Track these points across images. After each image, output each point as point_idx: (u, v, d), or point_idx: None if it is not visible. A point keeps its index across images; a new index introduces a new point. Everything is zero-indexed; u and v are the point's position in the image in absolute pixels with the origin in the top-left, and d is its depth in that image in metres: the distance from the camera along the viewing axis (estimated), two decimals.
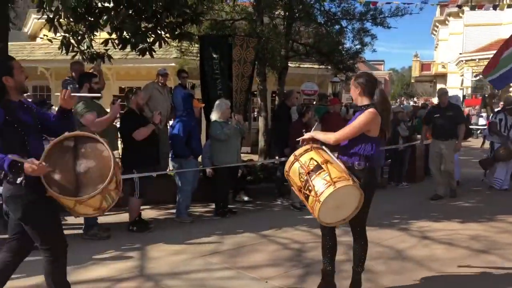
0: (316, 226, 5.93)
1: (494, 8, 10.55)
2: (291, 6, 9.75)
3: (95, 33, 6.84)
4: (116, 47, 6.91)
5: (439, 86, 39.02)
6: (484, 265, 4.54)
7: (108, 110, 5.66)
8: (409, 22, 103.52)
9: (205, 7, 8.03)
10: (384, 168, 8.90)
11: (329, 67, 11.95)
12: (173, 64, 12.06)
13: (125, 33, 6.48)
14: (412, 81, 47.40)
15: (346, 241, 5.34)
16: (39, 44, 15.41)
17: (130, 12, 6.16)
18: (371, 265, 4.52)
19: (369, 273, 4.29)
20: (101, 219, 5.75)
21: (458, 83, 32.76)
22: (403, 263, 4.61)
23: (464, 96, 29.11)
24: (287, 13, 10.10)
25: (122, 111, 6.15)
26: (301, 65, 14.32)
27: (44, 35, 7.56)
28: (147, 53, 6.89)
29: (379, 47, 57.06)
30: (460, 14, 33.25)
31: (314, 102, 13.31)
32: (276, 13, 10.09)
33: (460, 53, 31.07)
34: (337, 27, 10.96)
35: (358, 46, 11.06)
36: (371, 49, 11.13)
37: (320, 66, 12.25)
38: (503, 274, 4.29)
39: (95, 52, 7.19)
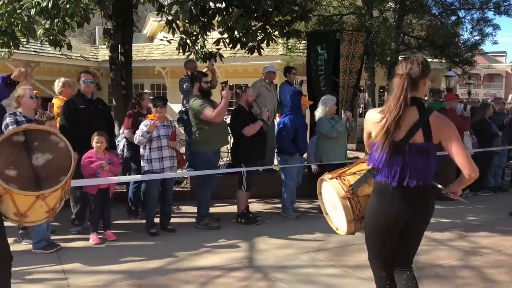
0: (429, 229, 5.65)
1: None
2: None
3: (207, 33, 7.21)
4: (227, 46, 7.20)
5: None
6: None
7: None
8: None
9: (313, 3, 8.01)
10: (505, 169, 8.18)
11: (443, 61, 11.24)
12: (279, 61, 12.23)
13: (236, 32, 6.72)
14: None
15: (461, 245, 5.03)
16: (156, 45, 16.61)
17: (242, 12, 6.37)
18: (492, 273, 4.19)
19: (490, 282, 3.99)
20: (212, 210, 6.08)
21: None
22: None
23: None
24: (398, 5, 9.69)
25: (231, 108, 6.40)
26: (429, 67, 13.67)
27: (164, 36, 8.14)
28: (256, 51, 7.08)
29: (501, 37, 52.11)
30: None
31: (426, 98, 12.62)
32: (387, 6, 9.73)
33: None
34: (453, 17, 10.27)
35: (477, 38, 10.28)
36: (492, 40, 10.32)
37: (434, 60, 11.58)
38: None
39: (207, 52, 7.56)
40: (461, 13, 10.22)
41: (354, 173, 2.94)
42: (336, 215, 3.05)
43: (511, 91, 39.76)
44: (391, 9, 9.87)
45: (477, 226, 5.89)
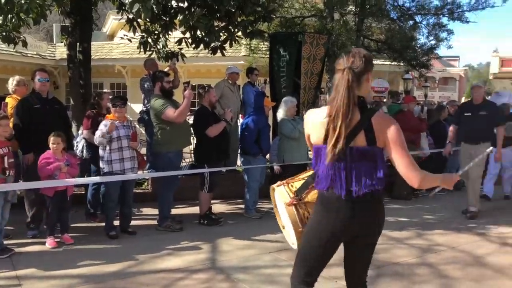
0: (388, 228, 5.80)
1: None
2: (363, 2, 9.56)
3: (169, 32, 7.12)
4: (189, 46, 7.13)
5: None
6: None
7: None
8: (489, 15, 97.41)
9: (276, 4, 8.07)
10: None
11: (401, 64, 11.57)
12: (242, 62, 12.25)
13: (198, 32, 6.67)
14: (490, 77, 44.59)
15: (418, 243, 5.19)
16: (116, 43, 16.29)
17: (204, 12, 6.33)
18: (447, 270, 4.34)
19: (445, 279, 4.13)
20: (174, 211, 6.01)
21: None
22: (482, 270, 4.37)
23: None
24: (358, 9, 9.91)
25: (194, 108, 6.35)
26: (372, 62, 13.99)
27: (124, 35, 7.97)
28: (219, 51, 7.05)
29: (455, 42, 54.20)
30: None
31: (385, 100, 12.96)
32: (347, 9, 9.93)
33: None
34: (411, 22, 10.61)
35: (433, 42, 10.65)
36: (447, 45, 10.71)
37: (392, 63, 11.90)
38: None
39: (169, 51, 7.47)
40: (418, 18, 10.58)
41: (303, 179, 2.67)
42: (289, 227, 2.69)
43: (464, 94, 41.46)
44: (352, 13, 10.08)
45: (433, 224, 6.09)
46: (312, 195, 2.50)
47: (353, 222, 2.29)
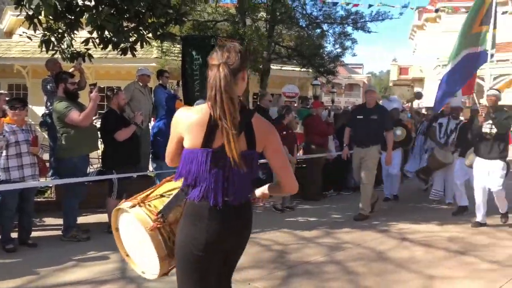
0: (298, 228, 5.99)
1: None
2: (274, 9, 9.80)
3: (75, 32, 6.74)
4: (97, 46, 6.81)
5: (416, 89, 39.75)
6: (462, 266, 4.64)
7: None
8: (389, 26, 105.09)
9: (187, 7, 8.00)
10: None
11: (310, 70, 12.04)
12: (153, 64, 11.96)
13: (106, 32, 6.40)
14: (390, 84, 48.08)
15: (327, 242, 5.42)
16: (15, 41, 15.10)
17: (112, 11, 6.09)
18: (353, 266, 4.57)
19: (351, 275, 4.34)
20: (80, 220, 5.69)
21: (435, 88, 33.36)
22: (384, 265, 4.66)
23: None
24: (269, 16, 10.14)
25: (102, 111, 6.07)
26: (283, 68, 14.39)
27: (23, 32, 7.39)
28: (129, 52, 6.82)
29: (359, 51, 57.92)
30: (437, 20, 33.96)
31: (296, 105, 13.40)
32: (259, 15, 10.12)
33: (437, 58, 31.68)
34: (318, 30, 11.09)
35: (338, 50, 11.21)
36: (351, 53, 11.34)
37: (301, 69, 12.33)
38: (480, 275, 4.39)
39: (75, 51, 7.07)
40: (325, 27, 11.08)
41: (162, 196, 2.32)
42: (143, 254, 2.30)
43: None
44: (263, 19, 10.29)
45: (341, 223, 6.39)
46: (175, 214, 2.18)
47: (226, 235, 2.08)
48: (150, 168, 6.88)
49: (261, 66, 9.96)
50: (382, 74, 72.09)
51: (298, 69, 13.13)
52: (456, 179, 6.87)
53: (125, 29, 6.47)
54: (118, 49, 6.75)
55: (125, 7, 6.14)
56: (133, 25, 6.58)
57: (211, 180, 2.02)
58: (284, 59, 11.90)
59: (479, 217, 6.21)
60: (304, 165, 8.32)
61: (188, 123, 2.06)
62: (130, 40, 6.66)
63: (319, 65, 11.14)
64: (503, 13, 16.27)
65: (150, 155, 6.62)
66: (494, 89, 6.54)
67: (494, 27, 6.73)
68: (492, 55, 6.76)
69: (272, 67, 11.55)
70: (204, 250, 2.04)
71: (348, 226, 6.22)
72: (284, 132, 7.05)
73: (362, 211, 6.64)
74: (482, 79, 28.48)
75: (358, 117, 6.78)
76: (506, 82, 24.44)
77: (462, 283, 4.22)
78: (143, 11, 6.35)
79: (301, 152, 8.63)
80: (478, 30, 6.80)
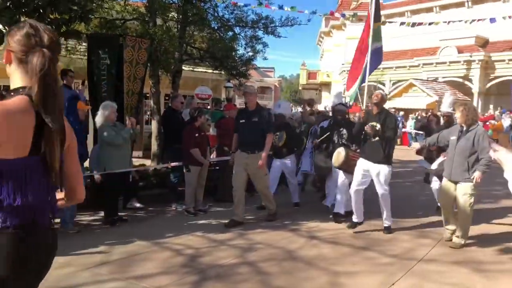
0: (211, 231, 5.97)
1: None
2: (185, 10, 9.68)
3: None
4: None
5: (324, 94, 41.67)
6: (365, 261, 4.93)
7: None
8: (298, 32, 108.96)
9: (94, 4, 7.62)
10: None
11: (223, 72, 12.08)
12: (58, 63, 11.24)
13: (1, 26, 5.89)
14: (300, 88, 49.89)
15: (240, 243, 5.46)
16: None
17: (8, 4, 5.62)
18: (265, 266, 4.64)
19: (263, 275, 4.41)
20: None
21: (341, 92, 35.14)
22: (295, 263, 4.80)
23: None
24: (180, 16, 10.00)
25: None
26: (195, 69, 14.28)
27: None
28: None
29: (270, 55, 59.37)
30: (343, 27, 35.90)
31: (209, 107, 13.36)
32: (170, 15, 9.93)
33: (342, 64, 33.48)
34: (230, 33, 11.14)
35: (250, 53, 11.34)
36: (263, 56, 11.52)
37: (214, 71, 12.33)
38: (381, 269, 4.69)
39: None
40: (237, 30, 11.16)
41: None
42: None
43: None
44: (174, 19, 10.12)
45: (253, 224, 6.47)
46: None
47: (47, 254, 1.89)
48: None
49: (172, 67, 9.78)
50: (292, 77, 74.59)
51: (210, 71, 13.10)
52: (339, 184, 6.63)
53: None
54: None
55: (23, 1, 5.70)
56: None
57: (39, 197, 1.76)
58: (196, 60, 11.81)
59: (355, 218, 6.14)
60: (217, 167, 8.32)
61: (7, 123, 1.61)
62: None
63: (232, 67, 11.19)
64: (401, 24, 17.54)
65: None
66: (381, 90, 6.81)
67: (378, 21, 7.07)
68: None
69: (184, 68, 11.40)
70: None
71: (260, 227, 6.32)
72: (197, 134, 7.00)
73: (270, 211, 6.72)
74: (383, 84, 30.58)
75: (241, 121, 6.51)
76: (404, 87, 26.52)
77: (365, 277, 4.47)
78: (44, 6, 5.94)
79: (214, 154, 8.62)
80: (375, 26, 6.92)
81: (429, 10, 30.65)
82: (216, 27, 10.97)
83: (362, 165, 6.06)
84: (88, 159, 6.68)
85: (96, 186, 6.47)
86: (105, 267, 4.56)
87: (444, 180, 5.62)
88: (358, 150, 6.44)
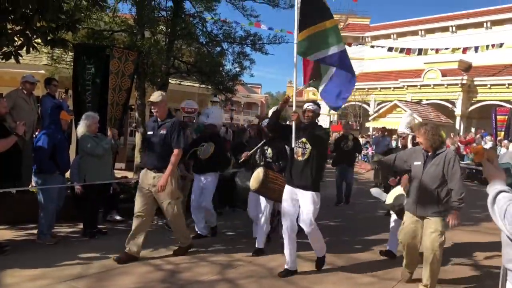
0: (196, 246, 5.90)
1: (361, 44, 11.68)
2: (174, 24, 9.72)
3: None
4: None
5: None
6: (346, 280, 4.92)
7: None
8: (285, 50, 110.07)
9: (82, 14, 7.61)
10: None
11: (210, 87, 12.10)
12: (42, 72, 11.14)
13: None
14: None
15: (219, 260, 5.40)
16: None
17: None
18: (244, 283, 4.60)
19: None
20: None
21: (326, 110, 35.46)
22: (275, 281, 4.76)
23: (331, 122, 31.71)
24: (169, 30, 10.03)
25: None
26: (182, 83, 14.28)
27: None
28: (12, 57, 6.27)
29: (257, 71, 59.78)
30: None
31: (194, 121, 13.32)
32: (158, 29, 9.96)
33: None
34: (218, 48, 11.20)
35: (237, 69, 11.39)
36: (250, 73, 11.58)
37: (201, 85, 12.35)
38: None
39: None
40: (225, 45, 11.22)
41: None
42: None
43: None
44: (163, 33, 10.14)
45: (234, 240, 6.42)
46: None
47: None
48: (33, 182, 6.35)
49: (159, 80, 9.76)
50: (279, 94, 74.97)
51: (197, 85, 13.10)
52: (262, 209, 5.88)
53: (9, 31, 5.96)
54: (0, 53, 6.18)
55: (10, 8, 5.66)
56: (19, 28, 6.08)
57: None
58: (183, 74, 11.82)
59: (287, 264, 5.02)
60: None
61: None
62: (15, 44, 6.15)
63: (218, 82, 11.21)
64: (389, 49, 17.88)
65: (33, 169, 6.11)
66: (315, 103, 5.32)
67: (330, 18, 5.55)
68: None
69: (170, 81, 11.39)
70: None
71: (240, 243, 6.27)
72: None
73: (180, 243, 5.62)
74: (368, 104, 30.98)
75: (148, 133, 5.46)
76: (388, 107, 26.87)
77: None
78: (31, 13, 5.91)
79: None
80: (328, 25, 5.43)
81: (414, 33, 31.32)
82: (204, 42, 11.02)
83: (288, 192, 5.00)
84: (69, 170, 6.59)
85: (76, 197, 6.37)
86: (82, 281, 4.47)
87: (408, 215, 4.67)
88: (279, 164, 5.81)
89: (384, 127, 16.24)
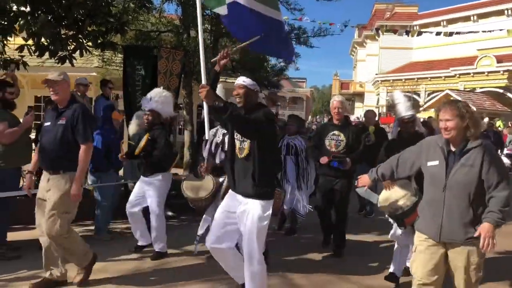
0: None
1: (407, 33, 11.35)
2: (218, 22, 9.83)
3: (8, 38, 6.41)
4: (33, 54, 6.51)
5: (357, 104, 41.25)
6: None
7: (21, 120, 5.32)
8: (330, 42, 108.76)
9: (130, 17, 7.85)
10: None
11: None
12: (94, 74, 11.61)
13: (43, 39, 6.13)
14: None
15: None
16: None
17: (49, 18, 5.85)
18: None
19: None
20: (10, 237, 5.33)
21: (374, 102, 34.76)
22: None
23: (379, 114, 31.01)
24: (214, 28, 10.15)
25: (37, 122, 5.79)
26: (228, 80, 14.42)
27: None
28: (67, 61, 6.57)
29: (302, 65, 59.22)
30: (376, 37, 35.55)
31: None
32: (204, 27, 10.10)
33: (376, 74, 33.11)
34: None
35: (282, 64, 11.38)
36: (295, 67, 11.58)
37: None
38: None
39: (8, 58, 6.72)
40: None
41: None
42: None
43: (310, 112, 45.25)
44: (208, 31, 10.29)
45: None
46: None
47: None
48: (89, 181, 6.62)
49: None
50: (324, 88, 74.19)
51: None
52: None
53: (63, 36, 6.24)
54: (56, 58, 6.48)
55: (63, 14, 5.92)
56: (71, 33, 6.35)
57: None
58: (228, 71, 11.95)
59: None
60: None
61: None
62: (69, 48, 6.43)
63: (263, 78, 11.27)
64: (437, 34, 17.21)
65: (89, 168, 6.37)
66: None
67: None
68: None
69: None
70: None
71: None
72: None
73: (79, 266, 4.38)
74: (418, 95, 30.03)
75: (45, 124, 4.24)
76: (439, 97, 25.94)
77: None
78: (83, 18, 6.16)
79: None
80: None
81: (466, 19, 29.95)
82: None
83: (229, 199, 3.71)
84: (122, 168, 6.82)
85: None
86: (138, 275, 4.62)
87: (422, 240, 3.14)
88: None
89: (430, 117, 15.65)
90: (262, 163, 3.46)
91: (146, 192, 5.22)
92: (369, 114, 8.34)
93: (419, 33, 20.59)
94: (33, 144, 5.71)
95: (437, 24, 31.29)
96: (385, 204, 3.92)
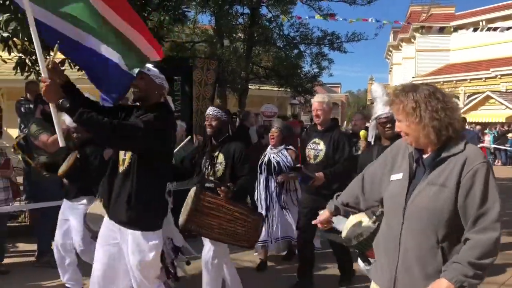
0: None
1: (441, 30, 11.08)
2: (251, 31, 9.93)
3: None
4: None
5: None
6: None
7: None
8: (365, 46, 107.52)
9: (165, 29, 8.03)
10: None
11: (288, 90, 12.17)
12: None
13: None
14: (368, 103, 48.82)
15: None
16: None
17: None
18: None
19: None
20: None
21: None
22: None
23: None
24: (247, 37, 10.27)
25: None
26: (261, 87, 14.51)
27: None
28: None
29: (336, 70, 58.98)
30: (412, 40, 34.91)
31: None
32: (236, 36, 10.24)
33: (413, 77, 32.45)
34: (295, 51, 11.26)
35: (316, 70, 11.37)
36: (328, 73, 11.54)
37: (280, 89, 12.46)
38: None
39: None
40: (302, 47, 11.26)
41: None
42: None
43: (346, 118, 44.75)
44: (241, 40, 10.41)
45: None
46: None
47: None
48: None
49: (239, 86, 10.03)
50: (359, 92, 73.29)
51: (276, 88, 13.25)
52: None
53: None
54: None
55: None
56: None
57: None
58: (262, 79, 12.03)
59: None
60: None
61: None
62: None
63: (297, 84, 11.28)
64: (474, 29, 16.73)
65: None
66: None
67: None
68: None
69: (250, 87, 11.65)
70: None
71: None
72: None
73: None
74: (457, 98, 29.21)
75: None
76: (480, 99, 25.15)
77: None
78: None
79: None
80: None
81: (506, 18, 28.96)
82: (281, 46, 11.13)
83: (104, 229, 2.93)
84: None
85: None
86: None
87: None
88: (229, 186, 3.60)
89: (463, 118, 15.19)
90: (142, 181, 2.68)
91: None
92: (356, 116, 7.08)
93: (455, 30, 20.13)
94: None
95: (475, 24, 30.33)
96: (346, 235, 2.34)
